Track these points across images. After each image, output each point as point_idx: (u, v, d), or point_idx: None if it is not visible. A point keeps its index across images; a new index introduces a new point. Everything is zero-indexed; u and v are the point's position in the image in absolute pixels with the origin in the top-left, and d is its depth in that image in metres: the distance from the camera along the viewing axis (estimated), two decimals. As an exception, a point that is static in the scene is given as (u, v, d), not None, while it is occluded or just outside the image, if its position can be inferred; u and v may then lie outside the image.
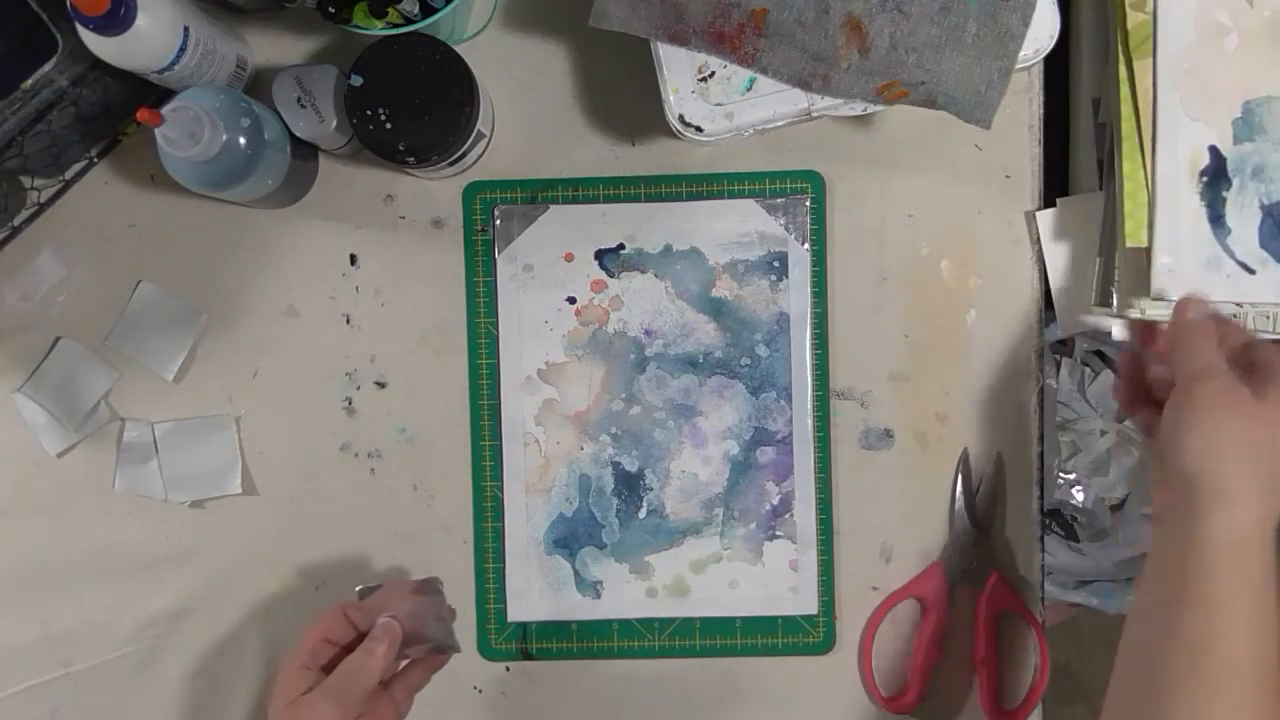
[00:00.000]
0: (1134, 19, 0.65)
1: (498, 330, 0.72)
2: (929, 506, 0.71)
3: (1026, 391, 0.71)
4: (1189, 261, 0.65)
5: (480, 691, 0.72)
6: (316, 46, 0.71)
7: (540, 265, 0.71)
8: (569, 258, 0.71)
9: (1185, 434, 0.55)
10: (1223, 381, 0.55)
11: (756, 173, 0.71)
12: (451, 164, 0.67)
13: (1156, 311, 0.67)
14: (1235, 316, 0.67)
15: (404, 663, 0.63)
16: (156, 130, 0.58)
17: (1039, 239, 0.71)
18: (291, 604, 0.72)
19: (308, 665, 0.60)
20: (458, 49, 0.64)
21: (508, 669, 0.72)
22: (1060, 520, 1.22)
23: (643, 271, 0.71)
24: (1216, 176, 0.65)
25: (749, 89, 0.62)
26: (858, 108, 0.62)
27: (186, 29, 0.60)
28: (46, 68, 0.61)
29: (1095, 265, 0.69)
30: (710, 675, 0.72)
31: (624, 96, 0.71)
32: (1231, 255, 0.65)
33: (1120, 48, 0.66)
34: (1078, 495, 1.20)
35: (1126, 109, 0.66)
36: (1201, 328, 0.58)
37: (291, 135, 0.65)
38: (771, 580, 0.71)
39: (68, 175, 0.71)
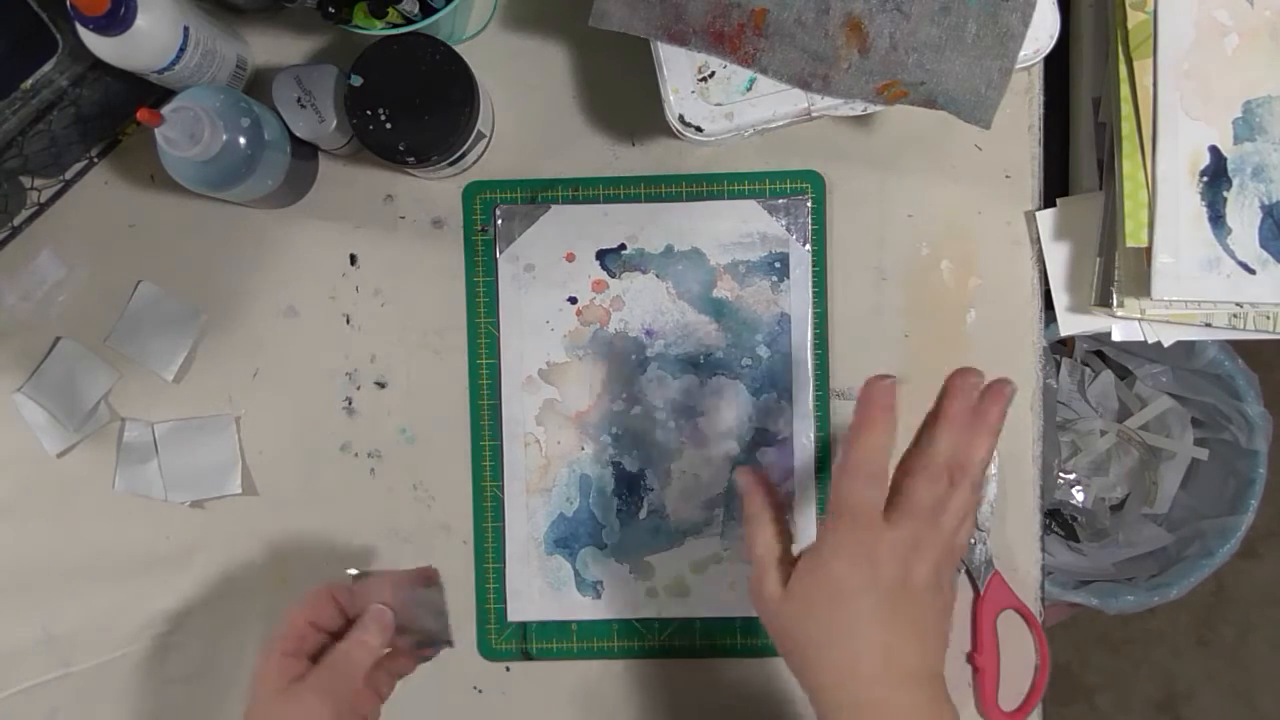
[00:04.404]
0: (1134, 19, 0.65)
1: (498, 330, 0.72)
2: (929, 506, 0.71)
3: (1026, 392, 0.71)
4: (1189, 261, 0.65)
5: (480, 691, 0.72)
6: (316, 46, 0.71)
7: (541, 265, 0.71)
8: (570, 258, 0.71)
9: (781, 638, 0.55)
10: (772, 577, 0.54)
11: (757, 173, 0.71)
12: (451, 164, 0.67)
13: (1156, 311, 0.67)
14: (1236, 316, 0.67)
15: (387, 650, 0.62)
16: (156, 130, 0.58)
17: (1039, 239, 0.71)
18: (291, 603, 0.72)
19: (294, 652, 0.58)
20: (458, 49, 0.64)
21: (508, 669, 0.72)
22: (1060, 520, 1.23)
23: (644, 272, 0.71)
24: (1216, 176, 0.65)
25: (749, 89, 0.62)
26: (858, 108, 0.62)
27: (186, 29, 0.60)
28: (46, 68, 0.61)
29: (1095, 265, 0.69)
30: (710, 675, 0.72)
31: (624, 96, 0.71)
32: (1231, 255, 0.65)
33: (1120, 48, 0.66)
34: (1078, 495, 1.20)
35: (1126, 109, 0.66)
36: (760, 515, 0.57)
37: (291, 135, 0.65)
38: (772, 580, 0.71)
39: (68, 175, 0.71)
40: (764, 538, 0.56)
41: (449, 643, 0.63)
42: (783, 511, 0.58)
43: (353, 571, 0.62)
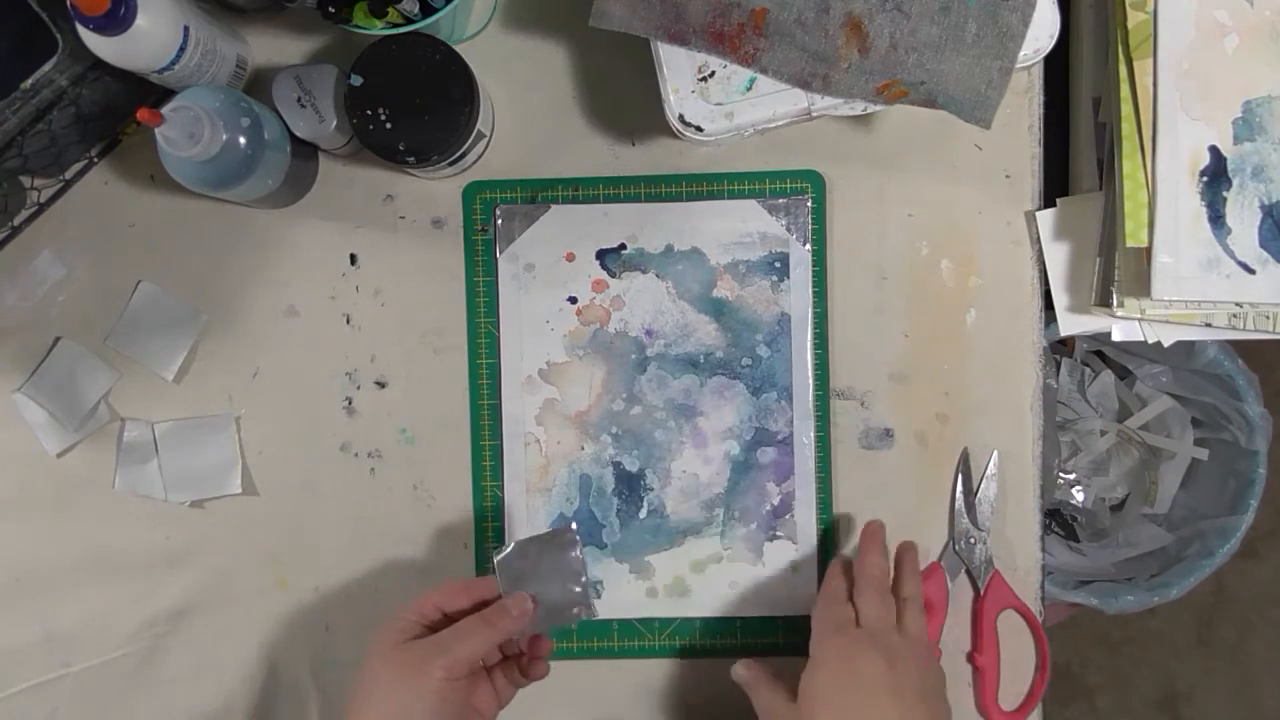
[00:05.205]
0: (1134, 19, 0.65)
1: (498, 330, 0.72)
2: (929, 507, 0.71)
3: (1026, 391, 0.71)
4: (1189, 261, 0.65)
5: (480, 691, 0.72)
6: (316, 46, 0.71)
7: (542, 265, 0.71)
8: (570, 257, 0.71)
9: None
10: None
11: (757, 172, 0.71)
12: (451, 164, 0.67)
13: (1156, 311, 0.67)
14: (1236, 316, 0.67)
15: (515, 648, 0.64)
16: (156, 130, 0.58)
17: (1039, 239, 0.71)
18: (291, 604, 0.72)
19: (416, 620, 0.59)
20: (458, 49, 0.64)
21: (508, 669, 0.72)
22: (1060, 520, 1.23)
23: (644, 271, 0.71)
24: (1216, 176, 0.65)
25: (749, 89, 0.62)
26: (858, 108, 0.62)
27: (186, 29, 0.60)
28: (46, 68, 0.61)
29: (1095, 265, 0.69)
30: (710, 675, 0.72)
31: (624, 96, 0.71)
32: (1231, 255, 0.65)
33: (1120, 48, 0.66)
34: (1078, 495, 1.20)
35: (1126, 109, 0.66)
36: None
37: (291, 135, 0.65)
38: (772, 580, 0.71)
39: (68, 175, 0.71)
40: (771, 690, 0.64)
41: (592, 612, 0.63)
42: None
43: (495, 550, 0.63)
